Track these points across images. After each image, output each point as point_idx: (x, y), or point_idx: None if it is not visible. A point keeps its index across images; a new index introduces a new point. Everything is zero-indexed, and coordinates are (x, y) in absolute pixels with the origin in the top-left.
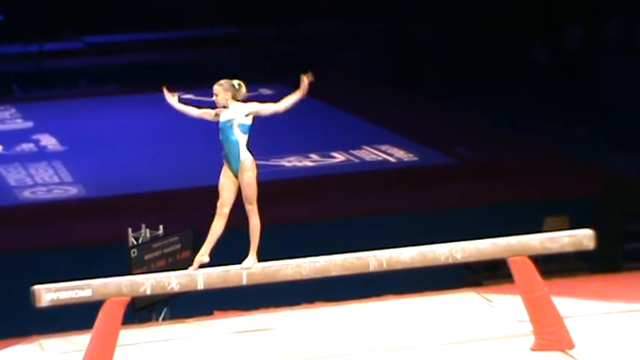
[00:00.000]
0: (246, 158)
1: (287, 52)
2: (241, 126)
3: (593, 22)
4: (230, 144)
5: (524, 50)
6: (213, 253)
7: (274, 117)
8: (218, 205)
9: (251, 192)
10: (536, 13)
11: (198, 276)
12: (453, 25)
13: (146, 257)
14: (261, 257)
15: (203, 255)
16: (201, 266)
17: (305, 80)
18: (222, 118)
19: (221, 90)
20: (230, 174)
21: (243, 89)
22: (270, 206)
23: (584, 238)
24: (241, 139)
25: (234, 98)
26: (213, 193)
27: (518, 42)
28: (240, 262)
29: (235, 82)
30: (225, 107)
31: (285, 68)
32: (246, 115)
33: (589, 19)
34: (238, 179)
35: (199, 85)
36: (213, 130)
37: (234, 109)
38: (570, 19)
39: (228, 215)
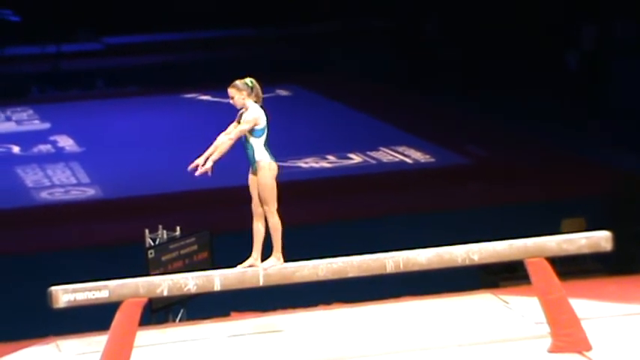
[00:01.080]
0: (262, 159)
1: (303, 53)
2: (254, 132)
3: (607, 22)
4: (246, 148)
5: (540, 50)
6: (230, 256)
7: (290, 118)
8: (252, 206)
9: (266, 193)
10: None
11: (215, 277)
12: (467, 25)
13: (163, 258)
14: None
15: (257, 259)
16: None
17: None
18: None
19: (235, 91)
20: (253, 175)
21: (257, 86)
22: (286, 207)
23: (601, 239)
24: (255, 142)
25: (250, 97)
26: (230, 195)
27: (533, 41)
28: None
29: (248, 80)
30: (243, 107)
31: (302, 69)
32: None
33: (602, 19)
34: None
35: (216, 86)
36: None
37: (252, 111)
38: (584, 19)
39: (264, 214)
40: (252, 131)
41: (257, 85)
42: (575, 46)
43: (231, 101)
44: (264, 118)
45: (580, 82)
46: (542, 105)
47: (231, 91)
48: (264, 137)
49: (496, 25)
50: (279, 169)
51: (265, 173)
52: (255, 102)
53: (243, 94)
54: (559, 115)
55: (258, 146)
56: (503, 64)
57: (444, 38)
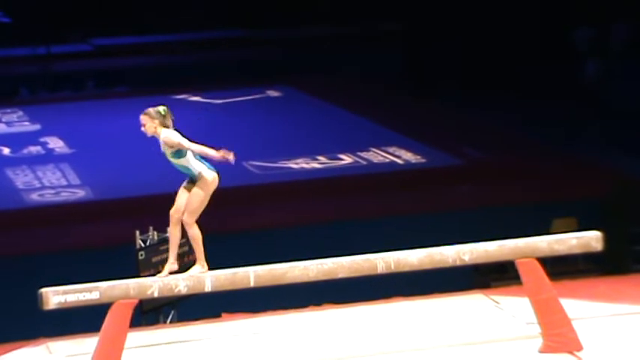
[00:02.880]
0: (202, 170)
1: (293, 54)
2: (175, 154)
3: (602, 23)
4: (180, 170)
5: (532, 50)
6: (220, 257)
7: (281, 119)
8: (171, 212)
9: (196, 203)
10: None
11: (206, 278)
12: (458, 27)
13: (154, 260)
14: (269, 259)
15: (173, 263)
16: (211, 268)
17: (226, 155)
18: (161, 148)
19: (147, 119)
20: (188, 183)
21: (169, 115)
22: (278, 208)
23: (592, 239)
24: (184, 161)
25: (164, 125)
26: (221, 196)
27: (525, 41)
28: (251, 265)
29: (160, 108)
30: (155, 135)
31: (292, 70)
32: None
33: (598, 20)
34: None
35: (207, 88)
36: (222, 133)
37: (170, 135)
38: (579, 21)
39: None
40: (172, 154)
41: (169, 114)
42: (596, 53)
43: (142, 129)
44: (179, 135)
45: (574, 84)
46: (534, 106)
47: (143, 118)
48: (188, 153)
49: (490, 24)
50: (219, 179)
51: (204, 185)
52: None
53: (155, 122)
54: (551, 116)
55: (189, 162)
56: (496, 65)
57: (436, 38)
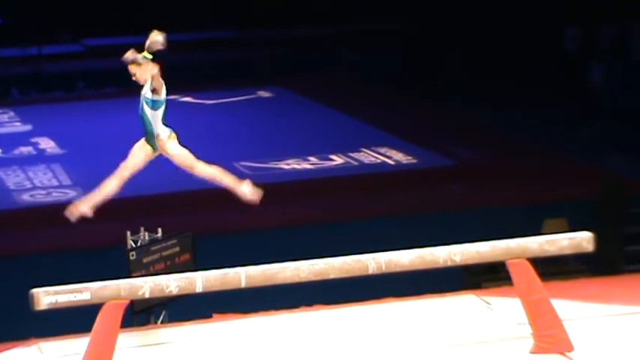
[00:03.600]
0: (161, 133)
1: (286, 55)
2: (154, 103)
3: (592, 23)
4: (143, 119)
5: (527, 50)
6: (211, 257)
7: (272, 120)
8: (122, 166)
9: (187, 161)
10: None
11: (197, 278)
12: (451, 26)
13: (145, 260)
14: (260, 260)
15: (85, 204)
16: (200, 269)
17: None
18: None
19: (136, 67)
20: (147, 147)
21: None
22: (268, 209)
23: (583, 240)
24: (153, 114)
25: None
26: (212, 197)
27: (518, 42)
28: (243, 265)
29: (144, 53)
30: (152, 79)
31: (283, 70)
32: (152, 90)
33: (588, 20)
34: (156, 153)
35: (198, 88)
36: (213, 133)
37: (160, 80)
38: (569, 20)
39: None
40: (151, 102)
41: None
42: (598, 57)
43: (133, 78)
44: (165, 92)
45: (566, 84)
46: (526, 106)
47: (131, 67)
48: (161, 110)
49: (487, 24)
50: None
51: (172, 144)
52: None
53: (149, 66)
54: (543, 117)
55: (157, 119)
56: (490, 65)
57: (431, 39)
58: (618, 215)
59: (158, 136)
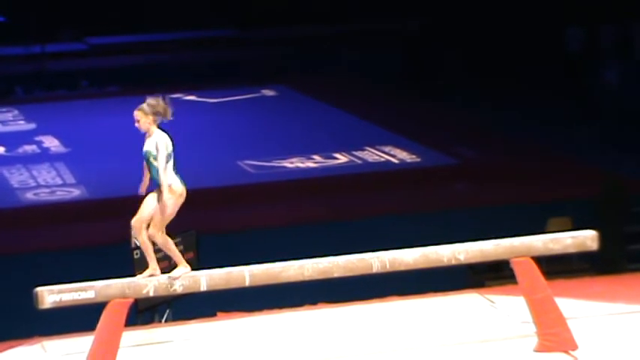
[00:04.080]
0: (172, 183)
1: (289, 53)
2: (156, 157)
3: (594, 23)
4: (152, 172)
5: (529, 50)
6: (215, 256)
7: (276, 119)
8: (133, 221)
9: (162, 218)
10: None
11: (201, 277)
12: (455, 26)
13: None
14: (264, 258)
15: (155, 269)
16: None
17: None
18: (145, 147)
19: (142, 115)
20: (155, 194)
21: (162, 105)
22: (272, 207)
23: (587, 239)
24: (167, 168)
25: (155, 122)
26: (216, 195)
27: (518, 42)
28: (247, 264)
29: (153, 101)
30: (148, 132)
31: (287, 69)
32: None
33: (589, 20)
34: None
35: (201, 87)
36: (217, 132)
37: (154, 139)
38: (571, 20)
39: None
40: (155, 156)
41: (161, 104)
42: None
43: (136, 124)
44: (170, 144)
45: (559, 81)
46: (529, 106)
47: (137, 113)
48: (171, 162)
49: (488, 25)
50: (187, 195)
51: (172, 197)
52: (163, 119)
53: (150, 119)
54: (546, 116)
55: (161, 170)
56: (493, 65)
57: (432, 38)
58: (619, 215)
59: (170, 186)
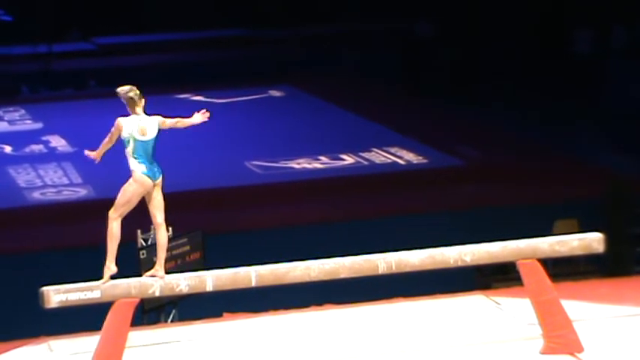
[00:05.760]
0: (134, 170)
1: (296, 54)
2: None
3: (602, 24)
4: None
5: (533, 50)
6: (222, 256)
7: (283, 119)
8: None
9: (120, 200)
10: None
11: (207, 277)
12: (461, 27)
13: (155, 259)
14: (270, 259)
15: (158, 270)
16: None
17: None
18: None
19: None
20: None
21: (139, 101)
22: (279, 208)
23: (593, 241)
24: (127, 152)
25: (132, 111)
26: (223, 195)
27: (526, 43)
28: (253, 264)
29: (132, 93)
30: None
31: (295, 70)
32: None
33: (598, 22)
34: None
35: (209, 87)
36: (224, 133)
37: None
38: (579, 22)
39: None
40: (125, 142)
41: (139, 99)
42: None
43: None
44: (136, 129)
45: (566, 83)
46: (535, 107)
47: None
48: (130, 147)
49: (491, 26)
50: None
51: (133, 184)
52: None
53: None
54: (553, 117)
55: (130, 157)
56: (497, 66)
57: (439, 39)
58: (626, 216)
59: (133, 172)
